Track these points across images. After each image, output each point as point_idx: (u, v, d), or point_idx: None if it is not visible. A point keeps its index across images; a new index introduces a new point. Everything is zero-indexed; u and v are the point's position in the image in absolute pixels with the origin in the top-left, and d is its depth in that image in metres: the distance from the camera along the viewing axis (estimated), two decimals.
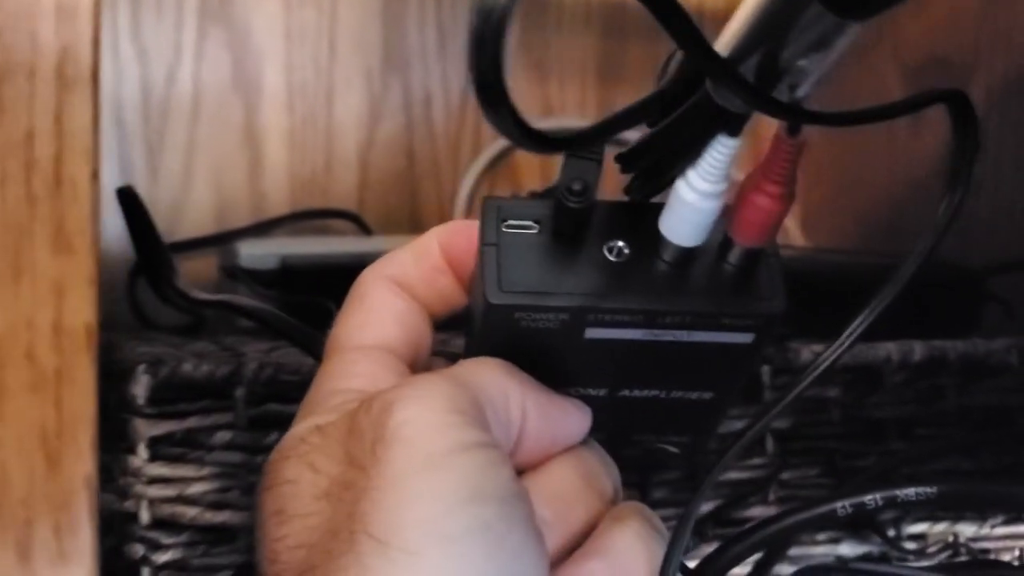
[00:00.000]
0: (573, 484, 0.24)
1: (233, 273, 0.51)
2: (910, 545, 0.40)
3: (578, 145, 0.19)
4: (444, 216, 0.66)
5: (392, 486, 0.20)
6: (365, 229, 0.61)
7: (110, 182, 0.33)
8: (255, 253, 0.52)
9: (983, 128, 0.22)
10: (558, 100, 0.68)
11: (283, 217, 0.60)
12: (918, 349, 0.40)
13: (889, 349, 0.40)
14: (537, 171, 0.68)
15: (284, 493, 0.21)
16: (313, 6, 0.63)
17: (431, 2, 0.65)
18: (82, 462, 0.18)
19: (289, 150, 0.62)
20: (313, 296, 0.47)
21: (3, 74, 0.17)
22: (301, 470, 0.22)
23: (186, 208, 0.61)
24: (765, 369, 0.38)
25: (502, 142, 0.67)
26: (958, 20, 0.56)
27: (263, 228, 0.59)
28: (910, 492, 0.24)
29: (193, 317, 0.49)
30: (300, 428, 0.23)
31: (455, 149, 0.66)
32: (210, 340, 0.44)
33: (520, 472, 0.24)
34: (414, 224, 0.65)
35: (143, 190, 0.59)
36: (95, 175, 0.18)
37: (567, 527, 0.24)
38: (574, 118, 0.68)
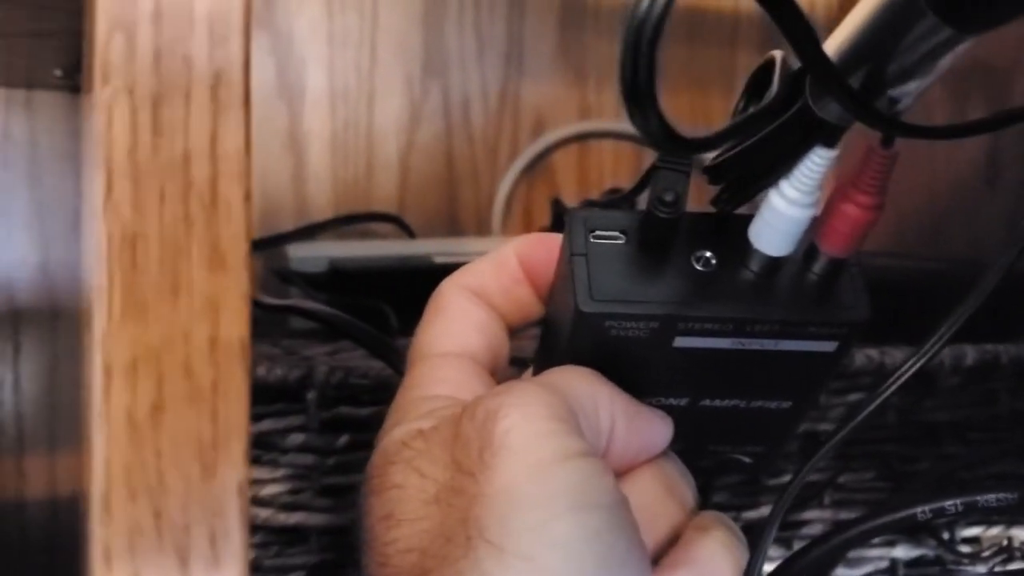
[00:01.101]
0: (657, 495, 0.24)
1: (285, 276, 0.51)
2: (964, 549, 0.40)
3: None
4: (482, 218, 0.66)
5: (503, 492, 0.20)
6: (407, 232, 0.62)
7: None
8: (305, 256, 0.53)
9: None
10: (595, 103, 0.68)
11: (328, 221, 0.61)
12: (970, 353, 0.41)
13: (943, 353, 0.40)
14: (574, 174, 0.68)
15: (392, 497, 0.22)
16: (355, 11, 0.63)
17: (470, 7, 0.65)
18: (235, 471, 0.19)
19: (331, 154, 0.63)
20: (361, 297, 0.48)
21: (162, 97, 0.18)
22: (408, 475, 0.22)
23: None
24: None
25: (539, 145, 0.67)
26: None
27: (308, 232, 0.60)
28: (991, 498, 0.25)
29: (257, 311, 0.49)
30: (400, 432, 0.23)
31: (493, 152, 0.66)
32: (269, 343, 0.45)
33: None
34: (453, 226, 0.66)
35: None
36: (248, 196, 0.19)
37: (652, 537, 0.24)
38: (611, 121, 0.68)
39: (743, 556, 0.25)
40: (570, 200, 0.66)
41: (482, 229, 0.66)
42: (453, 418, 0.22)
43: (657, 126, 0.17)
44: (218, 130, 0.18)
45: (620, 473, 0.25)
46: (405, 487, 0.22)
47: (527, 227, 0.67)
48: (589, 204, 0.48)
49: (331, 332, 0.39)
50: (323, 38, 0.63)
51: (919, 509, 0.25)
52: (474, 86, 0.66)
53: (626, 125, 0.72)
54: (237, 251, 0.19)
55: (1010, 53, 0.55)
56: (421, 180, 0.65)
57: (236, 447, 0.19)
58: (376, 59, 0.64)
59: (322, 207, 0.62)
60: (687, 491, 0.26)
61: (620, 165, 0.68)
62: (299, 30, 0.63)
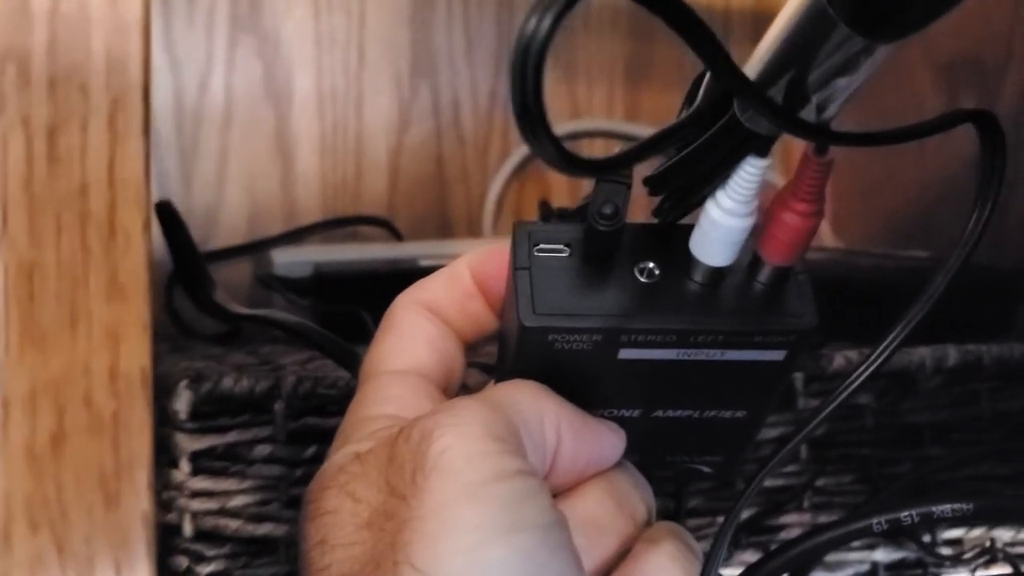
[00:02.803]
0: (606, 508, 0.24)
1: (268, 282, 0.51)
2: (946, 551, 0.40)
3: (613, 169, 0.20)
4: (473, 219, 0.66)
5: (433, 516, 0.20)
6: (396, 235, 0.62)
7: None
8: (289, 261, 0.53)
9: (1016, 126, 0.22)
10: (585, 101, 0.68)
11: (315, 225, 0.61)
12: (952, 354, 0.40)
13: (923, 354, 0.40)
14: (564, 175, 0.68)
15: (326, 523, 0.22)
16: (342, 12, 0.63)
17: (458, 7, 0.65)
18: (139, 500, 0.19)
19: (320, 156, 0.63)
20: (346, 303, 0.48)
21: (57, 127, 0.18)
22: (342, 500, 0.22)
23: (220, 214, 0.62)
24: (798, 376, 0.38)
25: None
26: (990, 19, 0.55)
27: (295, 236, 0.60)
28: (946, 508, 0.24)
29: (230, 326, 0.50)
30: (339, 457, 0.23)
31: (483, 153, 0.66)
32: (247, 351, 0.45)
33: (553, 495, 0.24)
34: (443, 228, 0.66)
35: (178, 198, 0.60)
36: (147, 225, 0.19)
37: (600, 552, 0.24)
38: (601, 119, 0.68)
39: (694, 568, 0.24)
40: (561, 201, 0.66)
41: (473, 230, 0.66)
42: (389, 440, 0.22)
43: (551, 148, 0.17)
44: (116, 159, 0.18)
45: (569, 487, 0.25)
46: (339, 512, 0.22)
47: None
48: (545, 216, 0.48)
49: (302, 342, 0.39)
50: (310, 40, 0.63)
51: (875, 520, 0.25)
52: (464, 86, 0.66)
53: (617, 124, 0.72)
54: (137, 281, 0.19)
55: (1000, 48, 0.55)
56: (411, 181, 0.65)
57: (140, 477, 0.19)
58: (364, 60, 0.64)
59: (311, 210, 0.62)
60: (639, 503, 0.25)
61: None
62: (286, 32, 0.63)
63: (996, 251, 0.48)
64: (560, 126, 0.67)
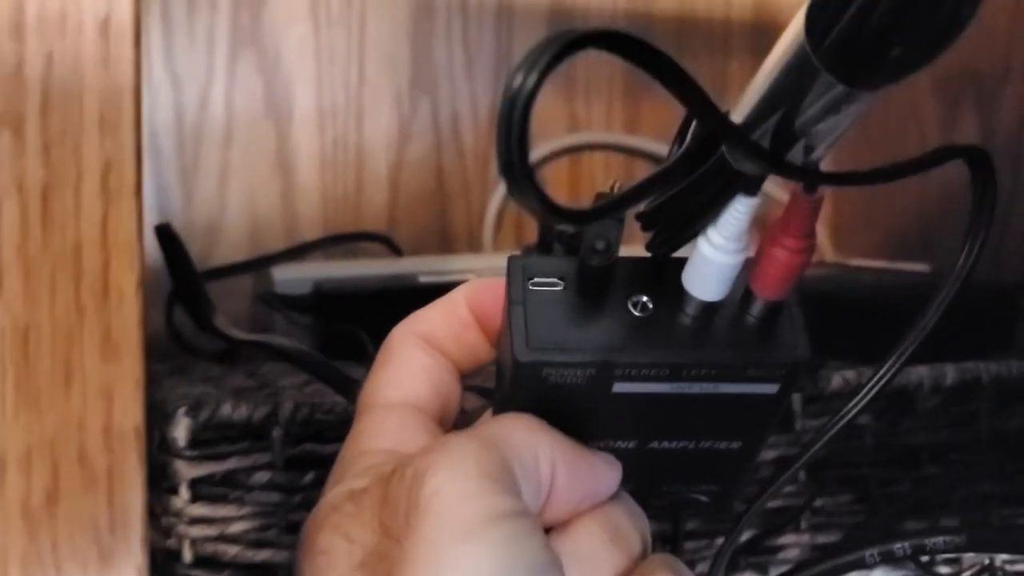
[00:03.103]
0: (601, 542, 0.24)
1: (268, 301, 0.52)
2: (944, 570, 0.40)
3: (602, 217, 0.20)
4: (474, 234, 0.66)
5: (425, 558, 0.20)
6: (396, 250, 0.62)
7: (147, 207, 0.34)
8: (289, 278, 0.53)
9: (1015, 138, 0.22)
10: (584, 115, 0.68)
11: (315, 242, 0.61)
12: (950, 373, 0.40)
13: (921, 374, 0.40)
14: (565, 186, 0.68)
15: (320, 564, 0.22)
16: (342, 28, 0.63)
17: (458, 22, 0.65)
18: (133, 556, 0.19)
19: (320, 172, 0.63)
20: (346, 320, 0.48)
21: (51, 188, 0.18)
22: (335, 540, 0.22)
23: (221, 230, 0.62)
24: (796, 397, 0.38)
25: (530, 159, 0.67)
26: (989, 29, 0.55)
27: (296, 252, 0.60)
28: (939, 541, 0.24)
29: (230, 344, 0.50)
30: (333, 495, 0.23)
31: (484, 167, 0.66)
32: (246, 371, 0.45)
33: (548, 529, 0.24)
34: (444, 242, 0.66)
35: (178, 214, 0.61)
36: (140, 284, 0.19)
37: None
38: (600, 132, 0.68)
39: None
40: None
41: (474, 245, 0.66)
42: (384, 478, 0.22)
43: (536, 199, 0.17)
44: (109, 219, 0.18)
45: (565, 520, 0.25)
46: (332, 553, 0.22)
47: (518, 242, 0.67)
48: (542, 249, 0.48)
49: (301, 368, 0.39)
50: (310, 56, 0.63)
51: (868, 552, 0.25)
52: (463, 101, 0.66)
53: (617, 136, 0.72)
54: (130, 339, 0.19)
55: (999, 61, 0.55)
56: (412, 196, 0.65)
57: (134, 532, 0.19)
58: (364, 76, 0.64)
59: (312, 226, 0.63)
60: (634, 535, 0.25)
61: (611, 177, 0.68)
62: (286, 48, 0.63)
63: (996, 267, 0.48)
64: (559, 140, 0.67)
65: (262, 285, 0.55)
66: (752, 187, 0.20)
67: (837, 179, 0.20)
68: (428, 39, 0.65)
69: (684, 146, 0.20)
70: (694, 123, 0.20)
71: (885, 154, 0.58)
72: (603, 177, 0.68)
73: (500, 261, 0.26)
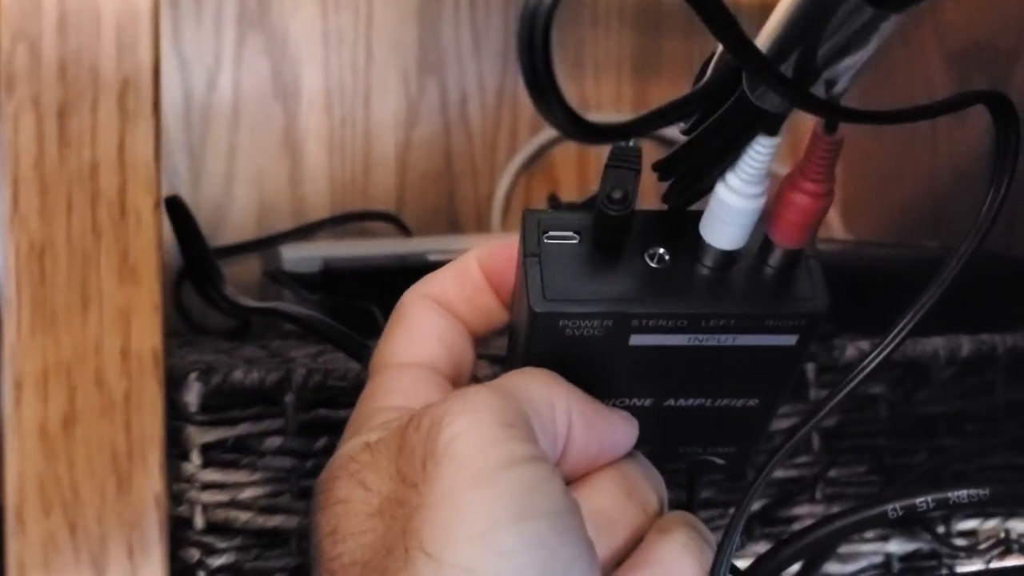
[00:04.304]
0: (617, 498, 0.24)
1: (277, 277, 0.51)
2: (960, 542, 0.40)
3: (623, 135, 0.20)
4: (482, 215, 0.66)
5: (444, 502, 0.20)
6: (404, 230, 0.62)
7: None
8: (298, 257, 0.53)
9: None
10: (594, 96, 0.68)
11: (324, 221, 0.61)
12: (966, 344, 0.40)
13: (936, 344, 0.39)
14: (573, 169, 0.68)
15: (337, 512, 0.22)
16: (349, 10, 0.63)
17: (465, 3, 0.65)
18: (151, 482, 0.19)
19: (328, 153, 0.63)
20: (355, 298, 0.48)
21: (68, 108, 0.18)
22: (352, 489, 0.22)
23: (229, 212, 0.62)
24: (810, 367, 0.38)
25: (538, 141, 0.67)
26: (1001, 3, 0.55)
27: (304, 232, 0.60)
28: (962, 494, 0.24)
29: (239, 321, 0.50)
30: (349, 446, 0.23)
31: (492, 149, 0.66)
32: (257, 345, 0.45)
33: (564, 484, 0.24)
34: (452, 224, 0.66)
35: (187, 195, 0.60)
36: (157, 205, 0.19)
37: (611, 542, 0.24)
38: (610, 113, 0.68)
39: (707, 557, 0.24)
40: (569, 196, 0.65)
41: (482, 226, 0.66)
42: (399, 429, 0.22)
43: (561, 114, 0.16)
44: (126, 139, 0.18)
45: (580, 475, 0.25)
46: (349, 501, 0.22)
47: None
48: (555, 206, 0.48)
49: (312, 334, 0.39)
50: (318, 37, 0.63)
51: (890, 506, 0.25)
52: (471, 82, 0.65)
53: (626, 117, 0.72)
54: (148, 261, 0.19)
55: (1012, 35, 0.54)
56: (419, 178, 0.65)
57: (152, 458, 0.19)
58: (371, 57, 0.64)
59: (319, 207, 0.62)
60: (650, 493, 0.25)
61: None
62: (294, 30, 0.63)
63: (1009, 240, 0.48)
64: None
65: (270, 264, 0.55)
66: (773, 126, 0.20)
67: (859, 115, 0.20)
68: (436, 20, 0.65)
69: (706, 77, 0.19)
70: (715, 59, 0.20)
71: (896, 130, 0.57)
72: None
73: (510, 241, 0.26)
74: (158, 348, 0.19)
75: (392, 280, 0.52)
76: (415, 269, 0.53)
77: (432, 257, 0.53)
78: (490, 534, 0.20)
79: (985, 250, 0.23)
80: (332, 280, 0.52)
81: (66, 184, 0.18)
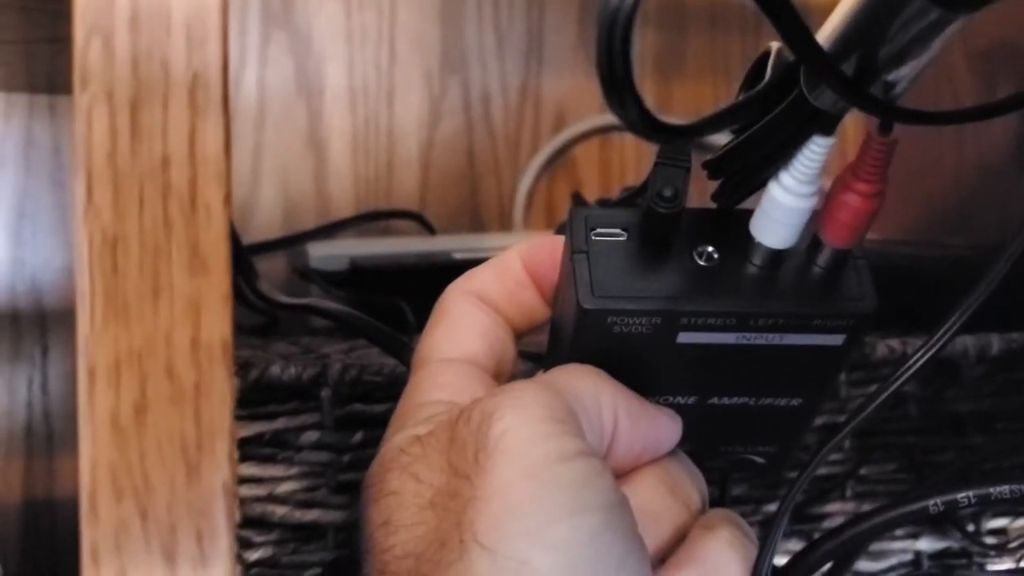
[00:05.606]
0: (660, 494, 0.24)
1: (305, 274, 0.52)
2: (990, 540, 0.40)
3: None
4: (504, 214, 0.66)
5: (497, 496, 0.20)
6: (428, 228, 0.62)
7: None
8: (325, 254, 0.53)
9: None
10: None
11: (349, 219, 0.61)
12: (995, 342, 0.40)
13: (966, 342, 0.39)
14: (595, 167, 0.68)
15: (390, 504, 0.22)
16: (373, 9, 0.64)
17: (488, 3, 0.65)
18: (220, 471, 0.19)
19: (352, 151, 0.63)
20: (382, 295, 0.48)
21: (140, 101, 0.18)
22: (404, 481, 0.22)
23: (255, 209, 0.62)
24: None
25: (560, 139, 0.67)
26: None
27: (329, 230, 0.60)
28: (1004, 490, 0.24)
29: (267, 318, 0.50)
30: (399, 439, 0.23)
31: (514, 147, 0.66)
32: (288, 341, 0.45)
33: None
34: (475, 222, 0.66)
35: None
36: (227, 199, 0.19)
37: (655, 539, 0.24)
38: None
39: (751, 553, 0.24)
40: (592, 194, 0.66)
41: (504, 224, 0.66)
42: (450, 422, 0.22)
43: (637, 114, 0.17)
44: (196, 133, 0.18)
45: (624, 472, 0.25)
46: (402, 493, 0.22)
47: (549, 222, 0.67)
48: (602, 203, 0.48)
49: (348, 330, 0.40)
50: (341, 36, 0.63)
51: (932, 501, 0.25)
52: (494, 81, 0.66)
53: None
54: (217, 254, 0.19)
55: None
56: (442, 176, 0.65)
57: (220, 447, 0.19)
58: (395, 56, 0.64)
59: (344, 205, 0.63)
60: (693, 491, 0.25)
61: (642, 158, 0.67)
62: (317, 29, 0.63)
63: None
64: (590, 120, 0.67)
65: (297, 262, 0.55)
66: (829, 126, 0.20)
67: (919, 117, 0.20)
68: (459, 20, 0.65)
69: (767, 78, 0.20)
70: (772, 58, 0.20)
71: (921, 130, 0.57)
72: (634, 157, 0.67)
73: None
74: (227, 339, 0.19)
75: (419, 278, 0.52)
76: (442, 267, 0.53)
77: (458, 255, 0.53)
78: (544, 528, 0.20)
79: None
80: (359, 277, 0.52)
81: (138, 177, 0.18)
